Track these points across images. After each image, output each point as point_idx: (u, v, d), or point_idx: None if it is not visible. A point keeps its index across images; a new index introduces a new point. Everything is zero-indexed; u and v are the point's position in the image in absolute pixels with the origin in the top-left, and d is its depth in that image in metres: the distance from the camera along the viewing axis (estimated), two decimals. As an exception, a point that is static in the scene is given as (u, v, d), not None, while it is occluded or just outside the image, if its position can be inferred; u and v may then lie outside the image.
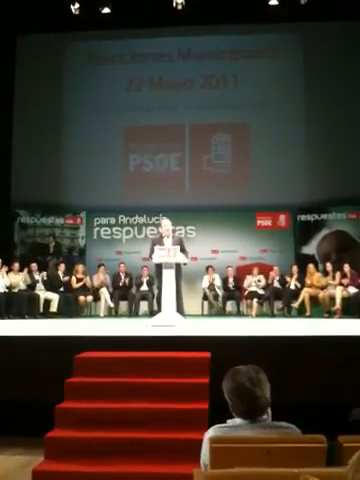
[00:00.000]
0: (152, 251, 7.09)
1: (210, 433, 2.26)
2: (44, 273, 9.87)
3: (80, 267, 10.02)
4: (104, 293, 9.77)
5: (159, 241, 7.38)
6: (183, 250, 7.17)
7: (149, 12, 10.30)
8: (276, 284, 9.73)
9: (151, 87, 11.63)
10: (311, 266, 9.66)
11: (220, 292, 9.93)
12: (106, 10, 10.30)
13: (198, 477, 2.00)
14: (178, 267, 7.10)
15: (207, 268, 10.10)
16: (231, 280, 10.06)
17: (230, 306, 10.04)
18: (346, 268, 9.27)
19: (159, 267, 7.11)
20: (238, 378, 2.25)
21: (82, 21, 10.35)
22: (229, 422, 2.31)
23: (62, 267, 10.02)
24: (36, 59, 11.33)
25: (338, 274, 9.24)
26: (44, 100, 11.28)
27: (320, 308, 9.22)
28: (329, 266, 9.53)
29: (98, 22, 10.52)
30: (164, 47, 11.59)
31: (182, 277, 7.42)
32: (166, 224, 7.50)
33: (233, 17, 10.48)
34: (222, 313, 9.79)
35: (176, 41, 11.57)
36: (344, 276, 9.19)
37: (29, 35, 11.21)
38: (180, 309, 7.00)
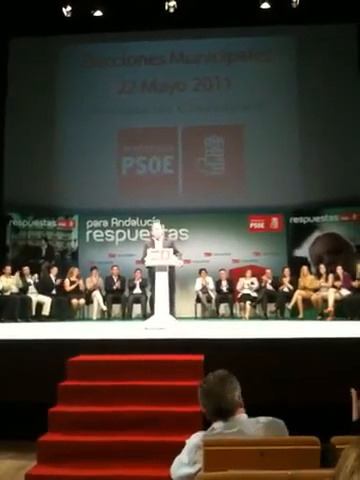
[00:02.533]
0: (145, 254, 7.13)
1: (193, 440, 2.30)
2: (36, 276, 9.83)
3: (75, 270, 9.98)
4: (97, 296, 9.74)
5: (152, 244, 7.43)
6: (176, 252, 7.19)
7: (142, 15, 10.31)
8: (269, 287, 9.74)
9: (144, 90, 11.63)
10: (305, 268, 9.68)
11: (213, 295, 9.93)
12: (98, 13, 10.31)
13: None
14: (172, 270, 7.12)
15: (200, 271, 10.09)
16: (224, 283, 10.07)
17: (223, 309, 10.04)
18: (339, 270, 9.30)
19: (152, 270, 7.13)
20: (206, 384, 2.42)
21: (75, 24, 10.35)
22: (209, 428, 2.38)
23: (54, 270, 9.97)
24: (29, 62, 11.28)
25: (331, 276, 9.27)
26: (37, 103, 11.24)
27: (313, 310, 9.24)
28: (322, 268, 9.56)
29: (90, 25, 10.52)
30: (157, 50, 11.60)
31: (175, 280, 7.45)
32: (157, 227, 7.59)
33: (226, 20, 10.50)
34: (215, 316, 9.79)
35: (169, 44, 11.58)
36: (337, 278, 9.22)
37: (22, 38, 11.18)
38: (171, 311, 7.02)
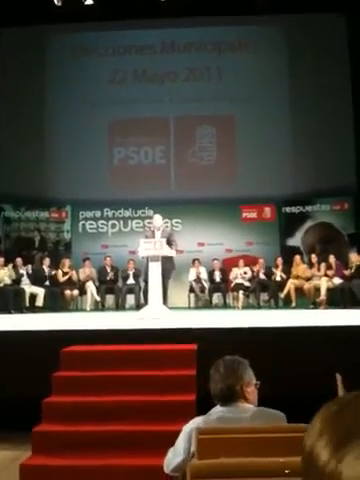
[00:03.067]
0: None
1: (190, 425, 2.32)
2: (29, 267, 9.82)
3: (67, 261, 9.97)
4: (90, 287, 9.74)
5: (152, 235, 7.52)
6: (170, 242, 7.23)
7: (132, 4, 10.23)
8: (262, 276, 9.78)
9: (135, 80, 11.57)
10: (297, 257, 9.72)
11: (206, 285, 9.95)
12: (89, 1, 10.22)
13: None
14: (168, 260, 7.17)
15: (193, 261, 10.10)
16: (217, 273, 10.08)
17: (216, 298, 10.07)
18: (331, 259, 9.35)
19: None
20: (216, 365, 2.45)
21: (65, 13, 10.24)
22: (209, 412, 2.41)
23: (47, 261, 9.96)
24: (18, 53, 11.18)
25: (323, 265, 9.31)
26: (27, 93, 11.15)
27: (305, 299, 9.29)
28: (314, 257, 9.61)
29: (81, 14, 10.43)
30: (147, 39, 11.52)
31: (171, 270, 7.51)
32: (157, 218, 7.65)
33: (217, 9, 10.44)
34: (208, 305, 9.82)
35: (159, 33, 11.50)
36: (329, 267, 9.27)
37: (11, 28, 11.06)
38: (165, 301, 7.07)
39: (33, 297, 9.27)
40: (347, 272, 9.12)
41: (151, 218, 9.70)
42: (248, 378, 2.40)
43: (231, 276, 9.96)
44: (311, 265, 9.57)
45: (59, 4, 10.04)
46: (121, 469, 3.65)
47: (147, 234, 7.89)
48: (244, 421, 2.27)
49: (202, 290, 9.91)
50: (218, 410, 2.36)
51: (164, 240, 6.96)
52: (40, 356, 4.78)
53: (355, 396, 0.64)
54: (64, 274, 9.80)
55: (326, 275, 9.15)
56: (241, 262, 10.02)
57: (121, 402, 4.17)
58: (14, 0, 10.10)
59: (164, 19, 10.92)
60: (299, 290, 9.32)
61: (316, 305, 9.00)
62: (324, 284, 8.97)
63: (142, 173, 11.27)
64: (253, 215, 11.04)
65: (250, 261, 10.21)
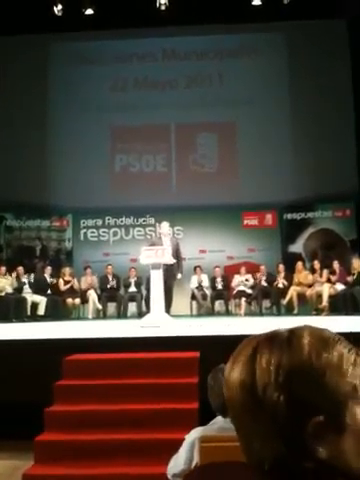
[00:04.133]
0: None
1: (192, 435, 2.31)
2: (31, 276, 9.81)
3: (67, 269, 9.96)
4: (92, 295, 9.73)
5: (159, 242, 7.55)
6: (177, 256, 7.35)
7: (133, 13, 10.28)
8: (263, 283, 9.76)
9: (136, 87, 11.62)
10: (299, 264, 9.72)
11: (208, 292, 9.94)
12: (89, 11, 10.27)
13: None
14: (172, 268, 7.21)
15: (195, 268, 10.10)
16: (219, 280, 10.07)
17: (218, 306, 10.05)
18: (335, 265, 9.33)
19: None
20: (211, 378, 2.44)
21: (66, 22, 10.29)
22: (210, 422, 2.41)
23: (48, 270, 9.96)
24: (20, 61, 11.23)
25: (325, 272, 9.29)
26: (29, 101, 11.18)
27: (308, 306, 9.27)
28: (317, 264, 9.58)
29: (82, 23, 10.48)
30: (148, 47, 11.57)
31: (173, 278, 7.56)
32: (165, 226, 7.71)
33: (217, 17, 10.49)
34: (211, 313, 9.80)
35: (160, 41, 11.55)
36: (333, 273, 9.25)
37: (13, 36, 11.12)
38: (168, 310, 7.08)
39: (35, 306, 9.26)
40: (349, 278, 9.09)
41: (153, 226, 9.72)
42: None
43: (233, 283, 9.95)
44: (314, 271, 9.55)
45: (60, 14, 10.09)
46: (124, 477, 3.63)
47: (154, 241, 7.94)
48: None
49: (204, 297, 9.90)
50: (219, 420, 2.36)
51: (166, 248, 6.97)
52: (42, 365, 4.76)
53: None
54: (66, 282, 9.79)
55: (329, 280, 9.13)
56: (243, 269, 10.01)
57: (123, 410, 4.15)
58: (16, 8, 10.15)
59: (165, 27, 10.97)
60: (301, 297, 9.30)
61: (318, 312, 8.98)
62: (326, 291, 8.95)
63: (143, 180, 11.28)
64: (255, 222, 11.03)
65: (252, 268, 10.20)
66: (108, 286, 9.93)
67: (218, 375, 2.37)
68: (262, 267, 9.93)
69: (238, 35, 11.36)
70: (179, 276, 7.57)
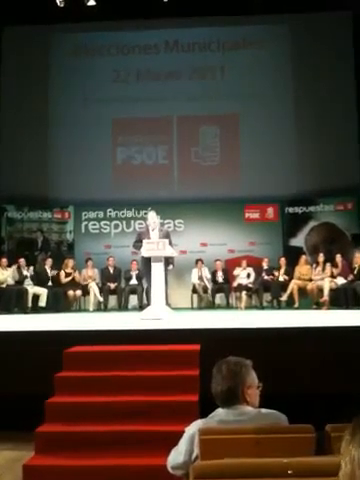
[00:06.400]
0: (136, 241, 7.29)
1: (192, 428, 2.32)
2: (32, 268, 9.82)
3: (70, 262, 9.96)
4: (93, 287, 9.74)
5: (146, 234, 7.44)
6: (170, 242, 7.26)
7: (135, 4, 10.23)
8: (264, 276, 9.76)
9: (138, 79, 11.57)
10: (303, 257, 9.71)
11: (209, 285, 9.94)
12: (91, 2, 10.22)
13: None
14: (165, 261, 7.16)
15: (196, 261, 10.10)
16: (220, 273, 10.07)
17: (219, 299, 10.05)
18: (338, 258, 9.32)
19: (146, 260, 7.16)
20: (219, 366, 2.42)
21: (68, 13, 10.23)
22: (211, 415, 2.40)
23: (49, 262, 9.97)
24: (22, 51, 11.20)
25: (328, 265, 9.27)
26: (30, 93, 11.17)
27: (308, 300, 9.27)
28: (320, 257, 9.55)
29: (84, 14, 10.42)
30: (151, 39, 11.52)
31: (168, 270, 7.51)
32: (152, 217, 7.58)
33: (220, 8, 10.43)
34: (211, 306, 9.81)
35: (163, 33, 11.50)
36: (335, 266, 9.24)
37: (15, 27, 11.08)
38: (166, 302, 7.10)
39: (36, 298, 9.28)
40: (352, 272, 9.08)
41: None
42: (250, 381, 2.38)
43: (234, 276, 9.95)
44: (317, 264, 9.53)
45: (62, 5, 10.04)
46: (124, 469, 3.64)
47: (141, 232, 7.85)
48: (244, 424, 2.26)
49: (205, 290, 9.91)
50: (219, 413, 2.36)
51: (166, 241, 6.95)
52: (43, 356, 4.78)
53: None
54: (67, 275, 9.80)
55: (332, 274, 9.11)
56: (244, 262, 10.01)
57: (123, 402, 4.16)
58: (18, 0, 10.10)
59: (168, 19, 10.92)
60: (302, 290, 9.31)
61: (319, 305, 8.98)
62: (327, 285, 8.95)
63: (145, 173, 11.26)
64: (256, 215, 11.02)
65: (253, 261, 10.20)
66: (109, 278, 9.93)
67: (223, 365, 2.40)
68: (266, 259, 9.93)
69: (241, 27, 11.30)
70: (170, 267, 7.47)
